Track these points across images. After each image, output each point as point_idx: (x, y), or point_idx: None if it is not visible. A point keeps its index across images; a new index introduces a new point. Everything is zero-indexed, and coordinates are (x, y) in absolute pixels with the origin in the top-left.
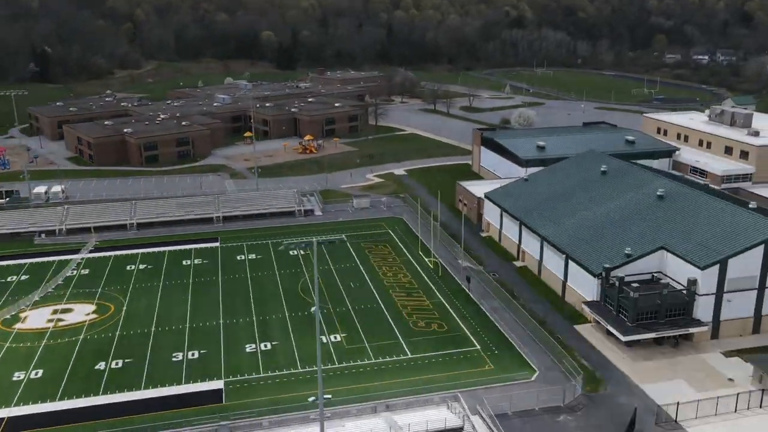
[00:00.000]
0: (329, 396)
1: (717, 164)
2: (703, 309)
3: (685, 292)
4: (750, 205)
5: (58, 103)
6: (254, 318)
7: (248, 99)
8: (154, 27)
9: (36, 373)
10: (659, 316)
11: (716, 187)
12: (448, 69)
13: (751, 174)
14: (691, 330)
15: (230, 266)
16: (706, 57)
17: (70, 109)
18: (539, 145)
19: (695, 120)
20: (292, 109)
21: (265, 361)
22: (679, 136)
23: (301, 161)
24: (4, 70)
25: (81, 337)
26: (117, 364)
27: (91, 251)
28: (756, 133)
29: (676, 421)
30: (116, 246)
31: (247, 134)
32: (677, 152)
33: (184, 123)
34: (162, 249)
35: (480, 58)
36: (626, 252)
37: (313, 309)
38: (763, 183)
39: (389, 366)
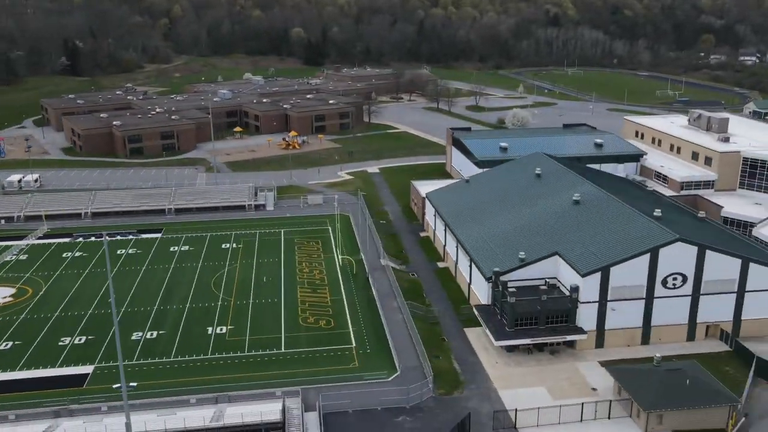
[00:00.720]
0: (134, 384)
1: (680, 170)
2: (585, 317)
3: (567, 298)
4: (655, 213)
5: (70, 96)
6: (156, 307)
7: (247, 95)
8: (190, 23)
9: None
10: (539, 322)
11: (673, 194)
12: (478, 67)
13: (713, 181)
14: (569, 338)
15: (161, 257)
16: (754, 57)
17: (77, 101)
18: (502, 146)
19: (675, 124)
20: (285, 106)
21: (144, 350)
22: (653, 140)
23: (280, 157)
24: (41, 63)
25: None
26: (6, 345)
27: (40, 238)
28: (726, 139)
29: (515, 427)
30: (64, 233)
31: (237, 129)
32: (644, 157)
33: (174, 117)
34: (113, 237)
35: (513, 57)
36: (520, 257)
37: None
38: (727, 191)
39: (259, 359)
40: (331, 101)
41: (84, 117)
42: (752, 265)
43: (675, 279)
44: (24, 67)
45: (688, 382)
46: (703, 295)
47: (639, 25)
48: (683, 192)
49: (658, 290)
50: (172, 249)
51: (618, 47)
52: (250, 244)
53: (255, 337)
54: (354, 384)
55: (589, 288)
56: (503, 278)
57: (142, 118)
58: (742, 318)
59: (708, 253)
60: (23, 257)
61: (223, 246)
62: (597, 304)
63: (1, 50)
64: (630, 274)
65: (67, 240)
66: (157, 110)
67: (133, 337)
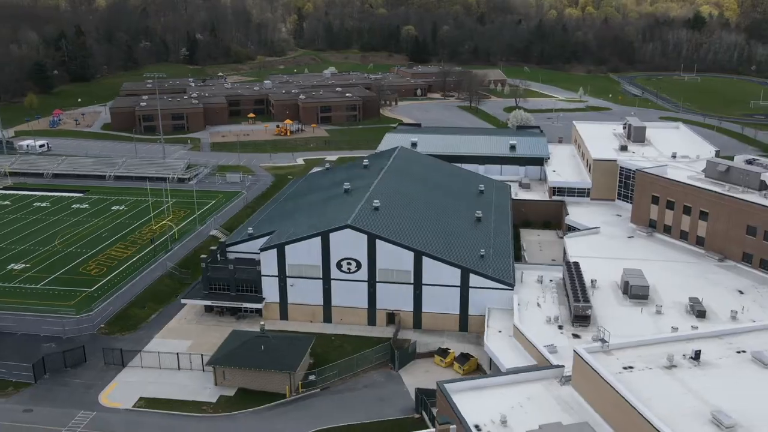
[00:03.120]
0: None
1: (559, 176)
2: (268, 289)
3: (255, 270)
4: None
5: (149, 82)
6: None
7: (289, 86)
8: (315, 19)
9: None
10: (231, 289)
11: (544, 199)
12: (589, 70)
13: (588, 189)
14: (246, 305)
15: (59, 211)
16: None
17: (147, 84)
18: (413, 141)
19: (605, 132)
20: (301, 96)
21: None
22: (578, 145)
23: (264, 141)
24: (166, 53)
25: None
26: None
27: (1, 188)
28: (623, 148)
29: (122, 364)
30: (19, 188)
31: (250, 115)
32: (547, 160)
33: (194, 101)
34: (45, 193)
35: (635, 60)
36: (248, 232)
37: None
38: (606, 200)
39: (25, 291)
40: (348, 94)
41: (130, 98)
42: (425, 259)
43: (350, 264)
44: (148, 56)
45: (263, 348)
46: (379, 282)
47: None
48: (554, 197)
49: (334, 273)
50: (74, 206)
51: (761, 53)
52: (134, 207)
53: (35, 275)
54: (48, 314)
55: (267, 263)
56: (230, 249)
57: (171, 101)
58: (423, 310)
59: (378, 242)
60: None
61: (112, 208)
62: (277, 278)
63: (126, 41)
64: (305, 254)
65: (14, 192)
66: (193, 95)
67: None
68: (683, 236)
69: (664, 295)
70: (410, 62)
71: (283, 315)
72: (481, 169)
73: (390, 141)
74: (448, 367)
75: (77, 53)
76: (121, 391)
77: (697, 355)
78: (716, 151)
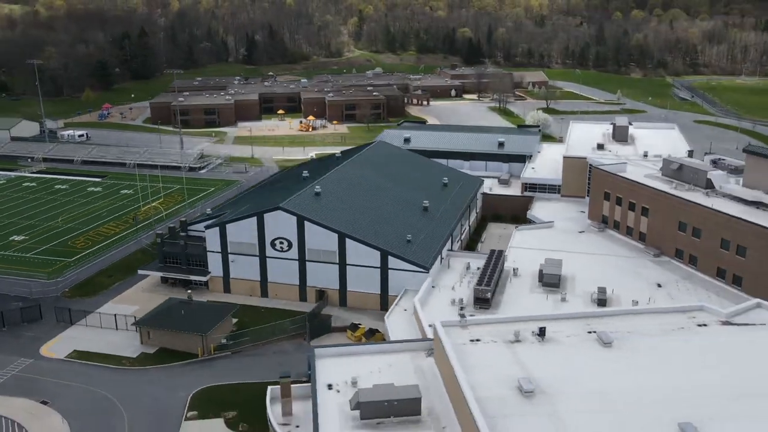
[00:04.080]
0: None
1: (534, 173)
2: (213, 264)
3: (202, 246)
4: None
5: (197, 79)
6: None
7: (324, 85)
8: (374, 21)
9: None
10: (182, 263)
11: (515, 194)
12: (646, 73)
13: (558, 186)
14: (192, 277)
15: (72, 192)
16: None
17: (194, 82)
18: (405, 137)
19: (596, 131)
20: (329, 94)
21: None
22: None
23: (285, 136)
24: (226, 54)
25: None
26: None
27: (33, 172)
28: (600, 147)
29: (71, 322)
30: (50, 172)
31: (280, 111)
32: (530, 158)
33: (227, 98)
34: (68, 177)
35: (698, 64)
36: (206, 211)
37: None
38: (575, 197)
39: (13, 258)
40: (375, 93)
41: (172, 95)
42: (348, 241)
43: (282, 243)
44: (208, 56)
45: (183, 312)
46: (309, 261)
47: None
48: (526, 193)
49: (269, 251)
50: (88, 189)
51: None
52: (141, 191)
53: (30, 245)
54: (24, 278)
55: (212, 240)
56: (191, 227)
57: (208, 97)
58: (348, 289)
59: (306, 224)
60: (2, 181)
61: (121, 192)
62: (220, 254)
63: (186, 41)
64: (243, 232)
65: (42, 176)
66: (231, 92)
67: None
68: (629, 232)
69: (579, 285)
70: (454, 64)
71: (226, 288)
72: (466, 165)
73: (386, 136)
74: (357, 340)
75: (139, 53)
76: (60, 345)
77: (542, 332)
78: (689, 151)
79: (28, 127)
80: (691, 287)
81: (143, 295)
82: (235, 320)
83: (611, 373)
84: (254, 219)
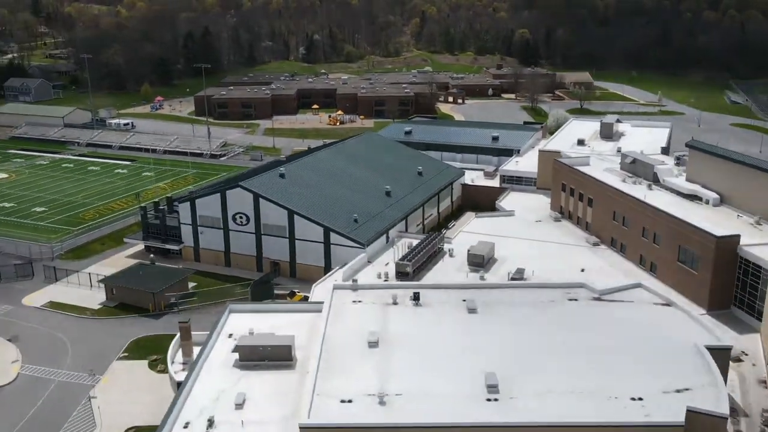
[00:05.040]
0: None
1: (514, 166)
2: (186, 235)
3: (177, 218)
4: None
5: (248, 75)
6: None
7: (365, 82)
8: (437, 22)
9: None
10: (161, 234)
11: (493, 185)
12: (707, 76)
13: (534, 179)
14: (169, 247)
15: (101, 173)
16: None
17: (243, 78)
18: (406, 130)
19: (590, 128)
20: (363, 90)
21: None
22: None
23: (312, 129)
24: (287, 52)
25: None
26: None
27: (75, 155)
28: (580, 142)
29: (56, 279)
30: (90, 155)
31: (314, 106)
32: (518, 151)
33: (266, 92)
34: (102, 160)
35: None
36: (189, 191)
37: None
38: (549, 189)
39: (29, 226)
40: (405, 89)
41: (218, 89)
42: (296, 217)
43: (241, 217)
44: (269, 55)
45: (141, 273)
46: (264, 234)
47: None
48: (504, 185)
49: (231, 225)
50: (116, 171)
51: None
52: (160, 173)
53: (46, 215)
54: (29, 242)
55: (184, 213)
56: (177, 203)
57: (248, 92)
58: (297, 261)
59: (261, 200)
60: (44, 162)
61: (143, 174)
62: (191, 226)
63: (247, 40)
64: (210, 207)
65: (81, 158)
66: (273, 87)
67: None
68: (578, 222)
69: (506, 266)
70: (500, 65)
71: (197, 257)
72: (458, 157)
73: (391, 129)
74: None
75: (201, 51)
76: (40, 296)
77: (416, 297)
78: (662, 148)
79: (80, 116)
80: (612, 273)
81: (125, 260)
82: (194, 284)
83: (457, 333)
84: (218, 195)
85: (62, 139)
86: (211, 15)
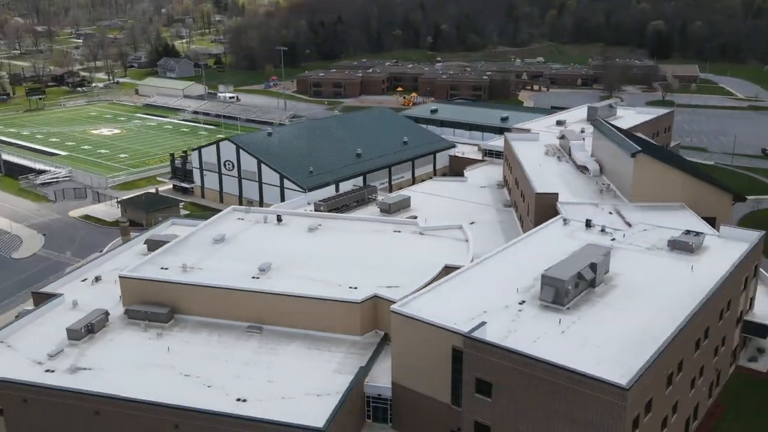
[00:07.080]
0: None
1: (495, 141)
2: (196, 177)
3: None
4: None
5: (362, 60)
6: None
7: (458, 69)
8: (574, 13)
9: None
10: (183, 175)
11: None
12: None
13: None
14: (184, 184)
15: (188, 133)
16: None
17: (353, 63)
18: (432, 109)
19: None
20: (444, 76)
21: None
22: None
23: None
24: (416, 41)
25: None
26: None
27: (183, 119)
28: (559, 123)
29: (99, 200)
30: (188, 120)
31: (398, 89)
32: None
33: (358, 74)
34: (192, 124)
35: None
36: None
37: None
38: None
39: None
40: (485, 76)
41: (318, 72)
42: (263, 165)
43: (229, 164)
44: (397, 43)
45: (144, 198)
46: (243, 179)
47: None
48: (485, 158)
49: (223, 170)
50: (199, 132)
51: None
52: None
53: (124, 160)
54: (94, 174)
55: (195, 160)
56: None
57: (343, 74)
58: (264, 201)
59: (241, 151)
60: (152, 123)
61: (217, 135)
62: (199, 170)
63: (375, 28)
64: (210, 155)
65: (176, 121)
66: (369, 71)
67: (121, 155)
68: (510, 189)
69: (411, 214)
70: (608, 55)
71: (203, 195)
72: (467, 134)
73: (421, 108)
74: None
75: (330, 37)
76: (81, 211)
77: (279, 219)
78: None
79: (196, 89)
80: (498, 229)
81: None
82: (186, 212)
83: (285, 242)
84: (214, 146)
85: (178, 107)
86: (353, 4)
